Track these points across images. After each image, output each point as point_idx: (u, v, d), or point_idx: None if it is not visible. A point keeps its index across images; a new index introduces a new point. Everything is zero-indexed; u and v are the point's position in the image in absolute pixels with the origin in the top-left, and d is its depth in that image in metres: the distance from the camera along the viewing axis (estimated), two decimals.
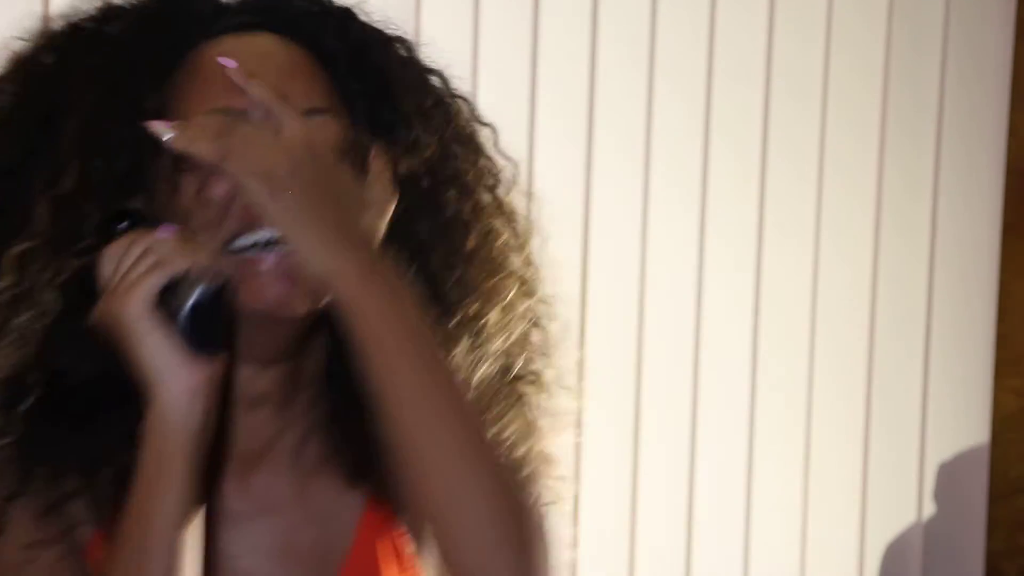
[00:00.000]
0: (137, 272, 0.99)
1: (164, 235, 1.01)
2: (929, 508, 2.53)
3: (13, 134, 1.08)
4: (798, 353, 2.44)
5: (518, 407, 1.17)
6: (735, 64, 2.37)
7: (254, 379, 1.10)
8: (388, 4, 1.22)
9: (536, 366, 1.20)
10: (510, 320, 1.16)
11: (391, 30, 1.16)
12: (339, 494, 1.13)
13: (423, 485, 1.00)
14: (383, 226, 1.07)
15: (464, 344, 1.12)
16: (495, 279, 1.15)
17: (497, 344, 1.14)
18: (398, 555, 1.14)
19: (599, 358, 2.37)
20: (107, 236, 1.02)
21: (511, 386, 1.16)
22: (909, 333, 2.50)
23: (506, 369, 1.15)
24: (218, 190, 1.04)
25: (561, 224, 2.33)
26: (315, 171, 1.01)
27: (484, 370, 1.13)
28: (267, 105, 1.03)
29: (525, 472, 1.17)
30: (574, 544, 2.38)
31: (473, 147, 1.17)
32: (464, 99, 1.18)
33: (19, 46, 1.13)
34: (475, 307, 1.13)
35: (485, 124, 1.18)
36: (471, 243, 1.14)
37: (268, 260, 1.04)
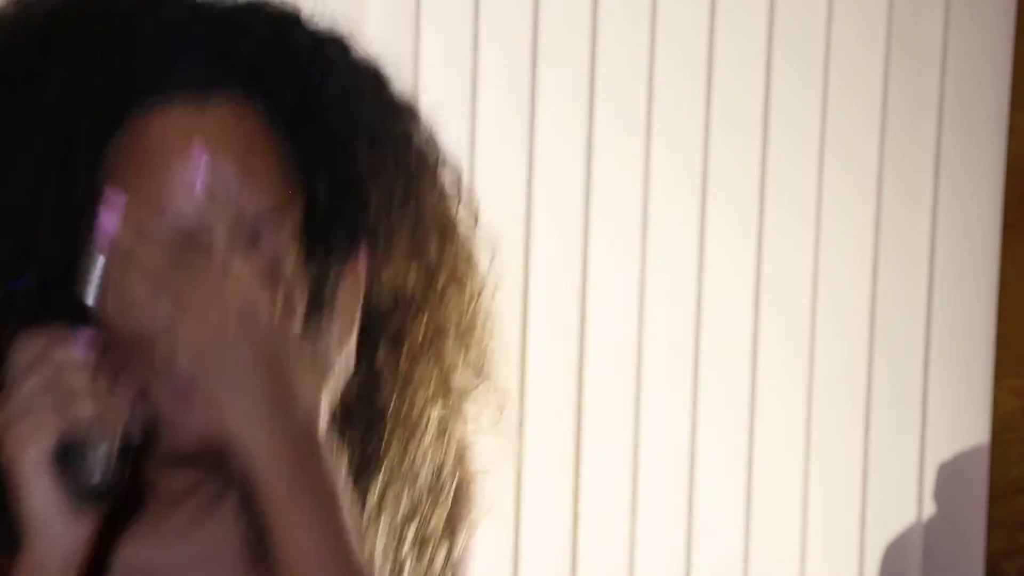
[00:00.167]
0: (39, 408, 0.89)
1: (79, 351, 0.91)
2: (929, 508, 2.53)
3: None
4: (798, 353, 2.44)
5: (446, 503, 1.08)
6: (734, 65, 2.37)
7: (171, 479, 1.00)
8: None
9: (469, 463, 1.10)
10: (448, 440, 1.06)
11: (365, 65, 1.04)
12: None
13: None
14: (330, 394, 0.95)
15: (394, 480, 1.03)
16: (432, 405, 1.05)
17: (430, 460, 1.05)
18: None
19: (599, 358, 2.37)
20: (7, 298, 0.92)
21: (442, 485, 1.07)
22: (909, 333, 2.50)
23: (438, 473, 1.07)
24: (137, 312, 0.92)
25: (560, 220, 2.35)
26: (259, 335, 0.91)
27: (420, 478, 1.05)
28: (219, 238, 0.91)
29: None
30: (574, 544, 2.39)
31: (452, 251, 1.06)
32: (443, 162, 1.07)
33: None
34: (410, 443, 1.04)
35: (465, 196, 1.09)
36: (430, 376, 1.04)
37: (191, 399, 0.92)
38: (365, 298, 0.99)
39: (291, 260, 0.95)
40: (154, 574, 1.02)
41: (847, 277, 2.46)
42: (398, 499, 1.03)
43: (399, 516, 1.04)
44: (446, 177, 1.07)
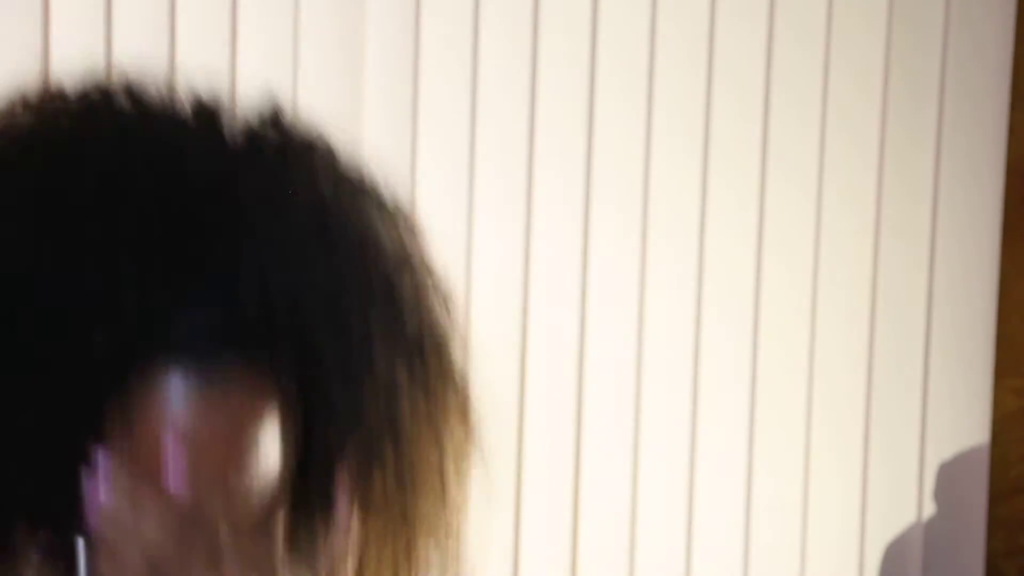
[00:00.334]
0: None
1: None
2: (929, 508, 2.53)
3: None
4: (798, 353, 2.44)
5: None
6: (734, 67, 2.37)
7: None
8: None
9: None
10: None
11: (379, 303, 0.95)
12: None
13: None
14: None
15: None
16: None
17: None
18: None
19: (599, 359, 2.37)
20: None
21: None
22: (909, 333, 2.50)
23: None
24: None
25: (559, 216, 2.35)
26: None
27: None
28: (216, 521, 0.86)
29: None
30: (574, 544, 2.39)
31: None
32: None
33: None
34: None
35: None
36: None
37: None
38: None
39: (282, 545, 0.90)
40: None
41: (848, 277, 2.46)
42: None
43: None
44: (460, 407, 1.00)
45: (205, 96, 0.95)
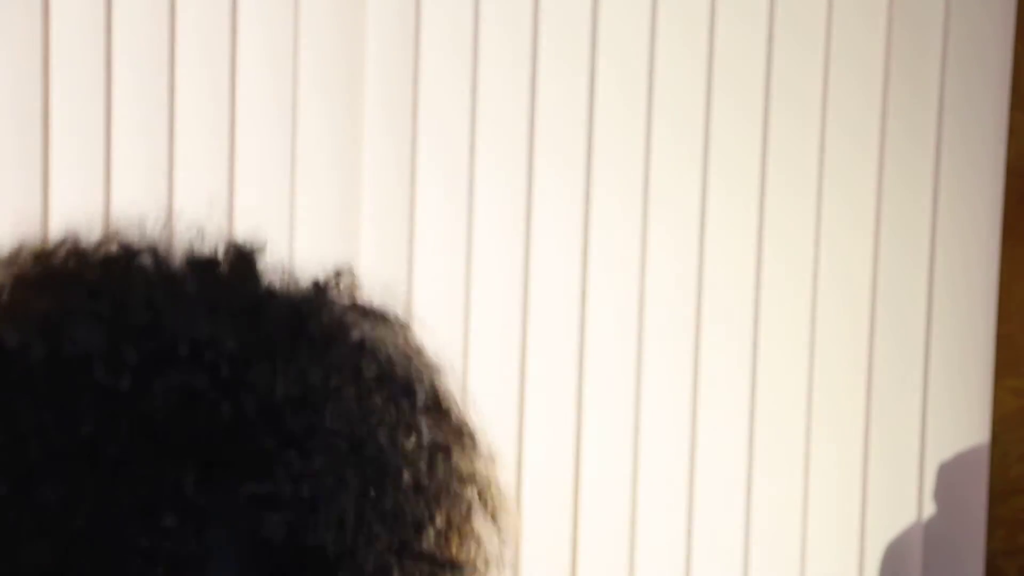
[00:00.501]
0: None
1: None
2: (929, 508, 2.53)
3: None
4: (798, 353, 2.44)
5: None
6: (734, 67, 2.37)
7: None
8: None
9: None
10: None
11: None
12: None
13: None
14: None
15: None
16: None
17: None
18: None
19: (599, 358, 2.37)
20: None
21: None
22: (909, 333, 2.50)
23: None
24: None
25: (559, 215, 2.35)
26: None
27: None
28: None
29: None
30: (574, 544, 2.39)
31: None
32: None
33: None
34: None
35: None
36: None
37: None
38: None
39: None
40: None
41: (847, 277, 2.46)
42: None
43: None
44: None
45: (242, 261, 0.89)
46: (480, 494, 0.93)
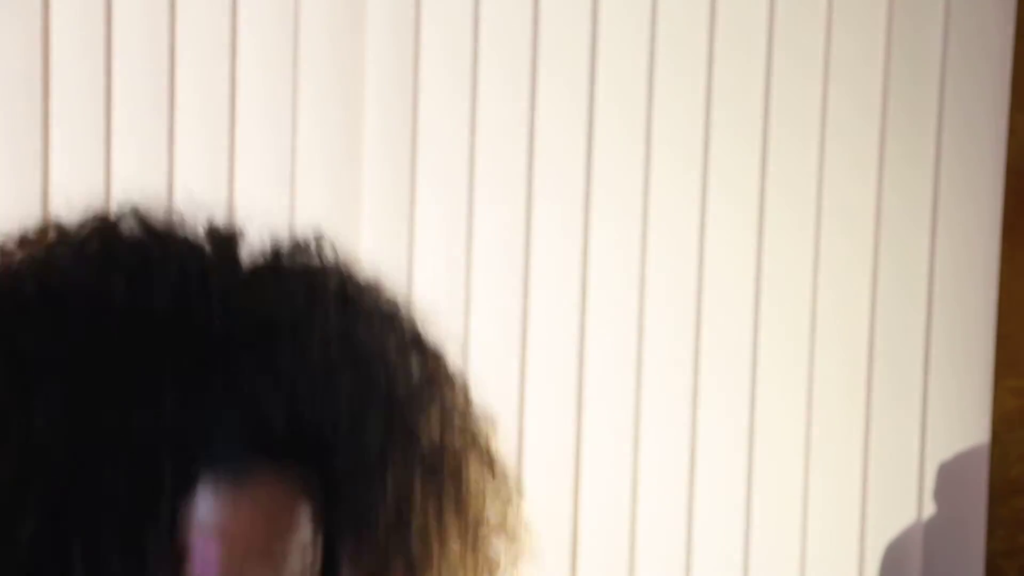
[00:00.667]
0: None
1: None
2: (929, 508, 2.53)
3: None
4: (798, 353, 2.44)
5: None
6: (734, 66, 2.37)
7: None
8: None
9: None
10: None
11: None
12: None
13: None
14: None
15: None
16: None
17: None
18: None
19: (599, 357, 2.37)
20: None
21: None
22: (909, 333, 2.50)
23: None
24: None
25: (559, 222, 2.35)
26: None
27: None
28: None
29: None
30: (574, 544, 2.39)
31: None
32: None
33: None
34: None
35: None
36: None
37: None
38: None
39: None
40: None
41: (847, 277, 2.46)
42: None
43: None
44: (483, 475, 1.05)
45: (220, 223, 0.97)
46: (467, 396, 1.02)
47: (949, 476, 2.53)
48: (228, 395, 0.91)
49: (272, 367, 0.92)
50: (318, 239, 1.00)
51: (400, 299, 1.01)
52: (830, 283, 2.45)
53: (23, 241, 0.96)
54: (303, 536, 0.92)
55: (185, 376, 0.90)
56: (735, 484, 2.42)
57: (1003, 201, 2.52)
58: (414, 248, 2.30)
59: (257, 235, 0.99)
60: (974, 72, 2.49)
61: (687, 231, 2.39)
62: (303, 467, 0.92)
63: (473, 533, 1.04)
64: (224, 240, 0.96)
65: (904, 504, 2.52)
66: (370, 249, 2.29)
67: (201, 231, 0.96)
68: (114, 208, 0.97)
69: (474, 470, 1.03)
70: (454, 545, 1.00)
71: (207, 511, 0.90)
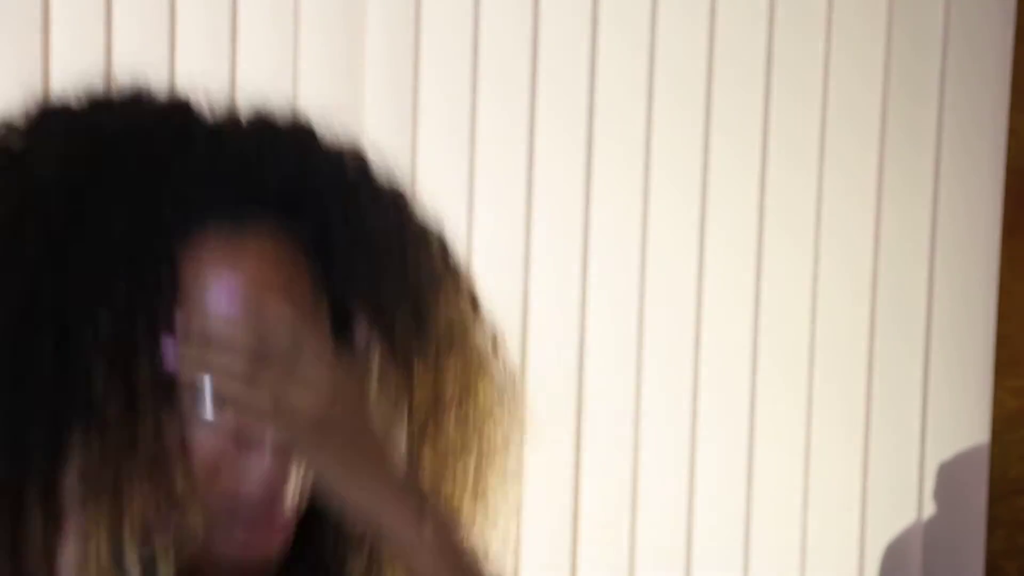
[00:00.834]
0: (131, 494, 0.88)
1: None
2: (929, 508, 2.53)
3: None
4: (798, 353, 2.44)
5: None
6: (734, 66, 2.37)
7: None
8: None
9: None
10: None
11: (386, 186, 1.04)
12: None
13: None
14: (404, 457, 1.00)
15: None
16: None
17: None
18: None
19: (599, 356, 2.37)
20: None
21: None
22: (909, 333, 2.50)
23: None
24: (206, 444, 0.93)
25: (559, 226, 2.35)
26: (350, 413, 0.94)
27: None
28: (293, 341, 0.92)
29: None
30: (574, 544, 2.39)
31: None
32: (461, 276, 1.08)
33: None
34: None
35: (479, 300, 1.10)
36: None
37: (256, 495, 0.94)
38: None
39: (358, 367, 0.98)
40: None
41: (847, 276, 2.46)
42: None
43: None
44: (464, 289, 1.09)
45: (252, 103, 1.05)
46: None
47: (949, 476, 2.53)
48: (226, 158, 0.97)
49: (272, 144, 1.00)
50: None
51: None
52: (830, 282, 2.45)
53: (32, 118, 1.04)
54: (308, 288, 0.96)
55: (186, 145, 0.97)
56: (735, 484, 2.42)
57: (1003, 201, 2.52)
58: None
59: None
60: (974, 73, 2.49)
61: (687, 233, 2.39)
62: (300, 228, 0.97)
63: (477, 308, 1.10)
64: (261, 117, 1.04)
65: (904, 504, 2.52)
66: None
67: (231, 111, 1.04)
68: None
69: (463, 303, 1.09)
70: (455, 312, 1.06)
71: (214, 251, 0.94)
